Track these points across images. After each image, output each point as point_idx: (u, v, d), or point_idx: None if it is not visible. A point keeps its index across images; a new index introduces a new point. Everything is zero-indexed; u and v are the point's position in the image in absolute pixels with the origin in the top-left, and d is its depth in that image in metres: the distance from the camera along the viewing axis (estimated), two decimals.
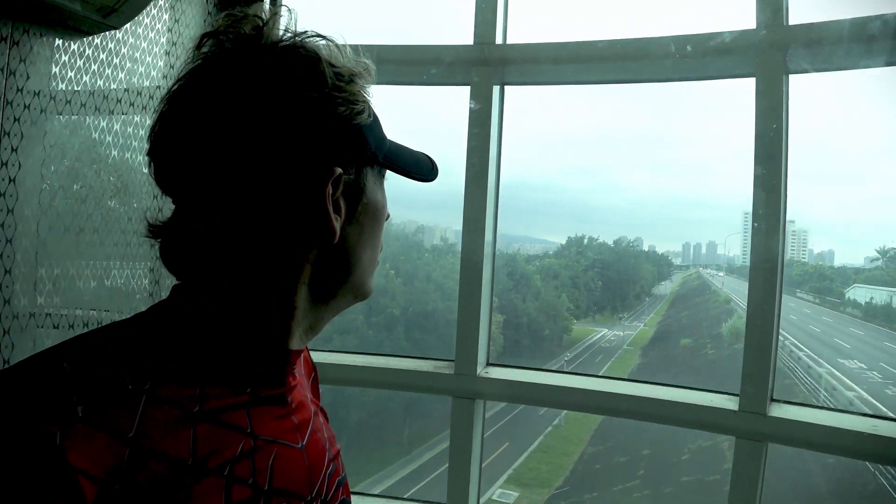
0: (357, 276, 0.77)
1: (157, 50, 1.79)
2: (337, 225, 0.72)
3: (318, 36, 0.74)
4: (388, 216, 0.84)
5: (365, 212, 0.76)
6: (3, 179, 1.42)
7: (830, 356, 3.98)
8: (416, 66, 1.96)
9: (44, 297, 1.47)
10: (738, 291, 4.71)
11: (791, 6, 1.71)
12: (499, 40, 2.00)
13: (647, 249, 5.49)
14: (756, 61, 1.75)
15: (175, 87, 0.71)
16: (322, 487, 0.78)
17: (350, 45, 0.75)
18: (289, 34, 0.73)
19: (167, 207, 0.74)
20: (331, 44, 0.74)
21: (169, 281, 0.75)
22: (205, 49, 0.71)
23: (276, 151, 0.68)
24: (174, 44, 1.83)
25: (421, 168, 0.84)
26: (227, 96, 0.68)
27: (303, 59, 0.71)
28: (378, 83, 0.78)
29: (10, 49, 1.44)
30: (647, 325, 4.75)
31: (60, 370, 0.59)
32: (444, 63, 2.01)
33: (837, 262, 4.52)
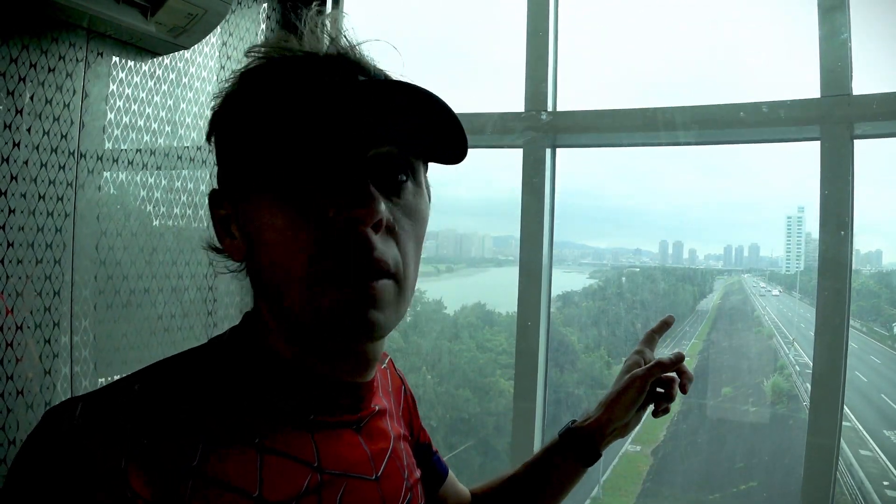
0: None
1: (228, 66, 1.78)
2: None
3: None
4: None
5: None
6: (82, 201, 1.43)
7: (876, 428, 3.11)
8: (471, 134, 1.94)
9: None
10: (783, 315, 4.07)
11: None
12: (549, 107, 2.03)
13: (686, 256, 5.19)
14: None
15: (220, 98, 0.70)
16: None
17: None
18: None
19: None
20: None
21: None
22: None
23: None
24: (230, 58, 1.81)
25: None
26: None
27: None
28: None
29: (85, 72, 1.44)
30: (689, 353, 4.49)
31: (132, 395, 0.60)
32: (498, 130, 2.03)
33: (885, 262, 3.61)
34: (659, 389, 1.01)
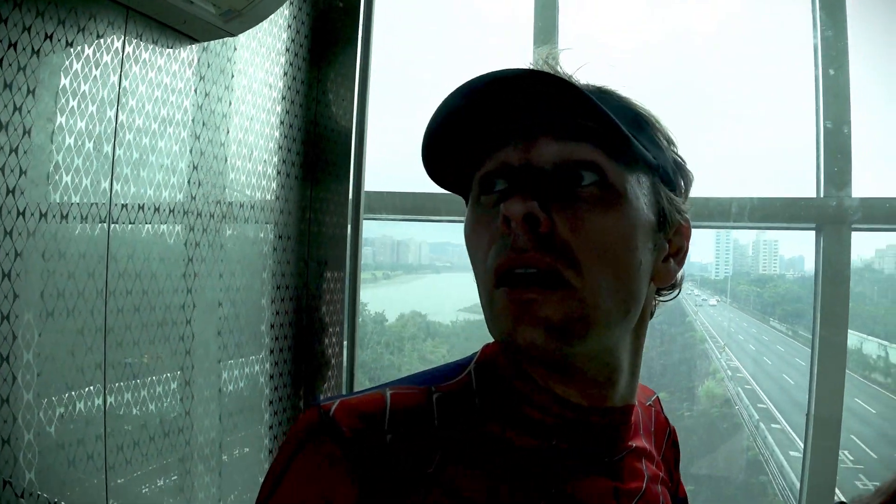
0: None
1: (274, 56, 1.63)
2: None
3: None
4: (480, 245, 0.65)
5: None
6: (115, 205, 1.24)
7: (804, 429, 3.24)
8: None
9: None
10: (713, 319, 4.17)
11: None
12: None
13: None
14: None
15: None
16: None
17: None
18: None
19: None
20: None
21: None
22: None
23: None
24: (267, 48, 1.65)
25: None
26: None
27: None
28: None
29: (122, 56, 1.25)
30: None
31: (381, 398, 0.60)
32: None
33: (808, 267, 3.50)
34: None
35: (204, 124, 1.42)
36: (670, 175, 0.68)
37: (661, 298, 0.74)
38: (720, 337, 3.84)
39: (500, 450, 0.62)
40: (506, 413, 0.64)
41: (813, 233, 1.88)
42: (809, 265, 3.68)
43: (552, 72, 0.64)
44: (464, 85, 0.59)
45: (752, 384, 3.60)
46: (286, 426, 1.68)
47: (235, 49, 1.49)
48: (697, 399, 3.65)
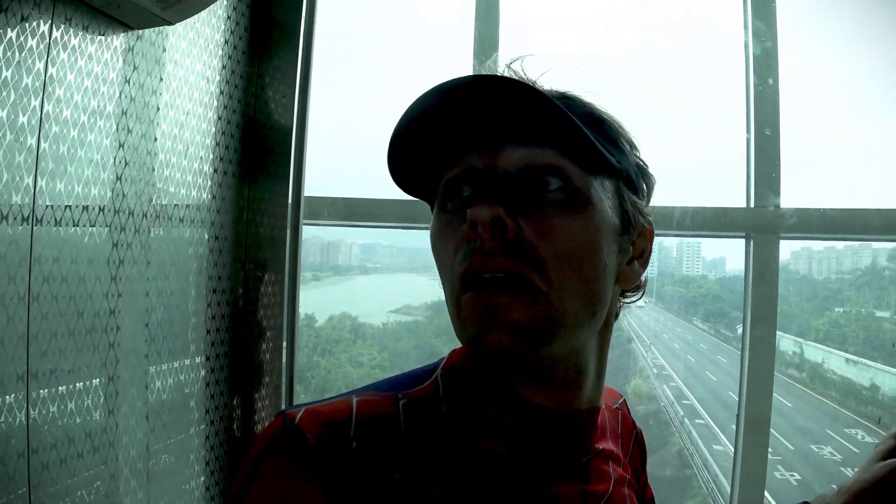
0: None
1: (212, 48, 1.54)
2: None
3: None
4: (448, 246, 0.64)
5: None
6: (39, 203, 1.15)
7: (726, 424, 3.13)
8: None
9: None
10: (642, 322, 4.30)
11: None
12: None
13: None
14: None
15: None
16: None
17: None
18: None
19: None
20: None
21: None
22: None
23: None
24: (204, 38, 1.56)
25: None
26: None
27: None
28: None
29: (49, 40, 1.16)
30: None
31: (347, 405, 0.60)
32: None
33: (729, 268, 3.56)
34: None
35: (137, 118, 1.34)
36: (633, 179, 0.70)
37: (626, 300, 0.76)
38: (646, 336, 3.97)
39: (467, 455, 0.62)
40: (473, 418, 0.65)
41: (742, 240, 1.96)
42: (731, 266, 3.80)
43: (517, 78, 0.66)
44: (432, 89, 0.60)
45: (676, 381, 3.72)
46: (223, 435, 1.60)
47: (171, 39, 1.41)
48: (625, 397, 3.72)
